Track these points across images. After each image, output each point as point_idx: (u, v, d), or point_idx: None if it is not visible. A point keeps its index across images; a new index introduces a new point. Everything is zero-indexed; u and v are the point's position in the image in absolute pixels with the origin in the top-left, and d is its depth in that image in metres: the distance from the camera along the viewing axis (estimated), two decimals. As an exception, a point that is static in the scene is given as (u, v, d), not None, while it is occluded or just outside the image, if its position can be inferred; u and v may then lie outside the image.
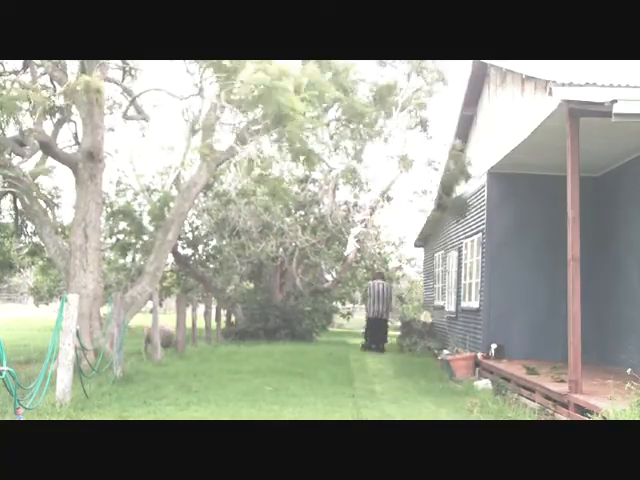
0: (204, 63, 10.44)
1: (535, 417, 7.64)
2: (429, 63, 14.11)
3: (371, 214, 19.84)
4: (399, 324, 22.89)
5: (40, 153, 13.08)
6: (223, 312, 20.63)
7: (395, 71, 14.42)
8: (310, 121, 10.26)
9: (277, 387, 9.79)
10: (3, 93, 9.63)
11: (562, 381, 8.04)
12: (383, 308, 17.66)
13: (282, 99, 8.59)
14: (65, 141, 14.49)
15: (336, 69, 10.71)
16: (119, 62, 12.98)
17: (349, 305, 28.73)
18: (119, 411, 7.56)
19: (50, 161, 13.88)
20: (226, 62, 9.36)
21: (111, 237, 19.95)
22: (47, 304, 29.84)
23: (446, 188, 14.53)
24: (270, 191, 16.09)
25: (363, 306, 28.94)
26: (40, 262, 18.21)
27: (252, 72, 8.56)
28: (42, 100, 9.88)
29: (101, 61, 11.27)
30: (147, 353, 13.02)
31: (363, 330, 18.87)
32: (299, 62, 9.92)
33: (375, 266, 25.51)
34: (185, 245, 21.64)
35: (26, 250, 16.41)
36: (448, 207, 14.50)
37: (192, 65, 11.09)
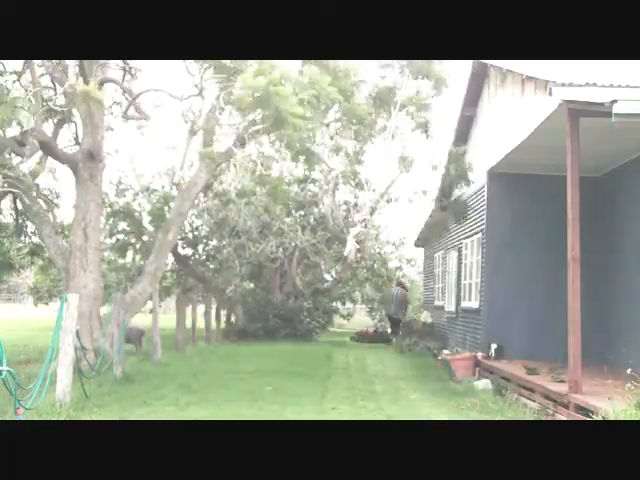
0: (204, 63, 10.42)
1: (535, 417, 7.64)
2: (427, 70, 13.96)
3: (371, 214, 19.82)
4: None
5: (40, 153, 13.10)
6: (223, 312, 20.62)
7: (394, 73, 14.35)
8: (310, 121, 10.19)
9: (277, 387, 9.79)
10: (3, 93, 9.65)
11: (562, 381, 8.03)
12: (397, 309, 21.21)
13: (282, 105, 8.49)
14: (65, 141, 14.53)
15: (336, 74, 10.60)
16: (119, 62, 12.97)
17: (349, 305, 28.65)
18: (119, 411, 7.56)
19: (50, 161, 13.90)
20: (226, 62, 9.34)
21: (111, 237, 19.95)
22: (47, 304, 29.85)
23: (446, 191, 14.52)
24: (269, 192, 16.04)
25: (363, 306, 28.97)
26: (40, 262, 18.22)
27: (252, 76, 8.49)
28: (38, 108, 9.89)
29: (101, 61, 11.28)
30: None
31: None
32: (299, 63, 9.88)
33: (375, 266, 25.45)
34: (185, 245, 21.63)
35: (26, 250, 16.44)
36: (447, 210, 14.48)
37: (192, 65, 11.07)
